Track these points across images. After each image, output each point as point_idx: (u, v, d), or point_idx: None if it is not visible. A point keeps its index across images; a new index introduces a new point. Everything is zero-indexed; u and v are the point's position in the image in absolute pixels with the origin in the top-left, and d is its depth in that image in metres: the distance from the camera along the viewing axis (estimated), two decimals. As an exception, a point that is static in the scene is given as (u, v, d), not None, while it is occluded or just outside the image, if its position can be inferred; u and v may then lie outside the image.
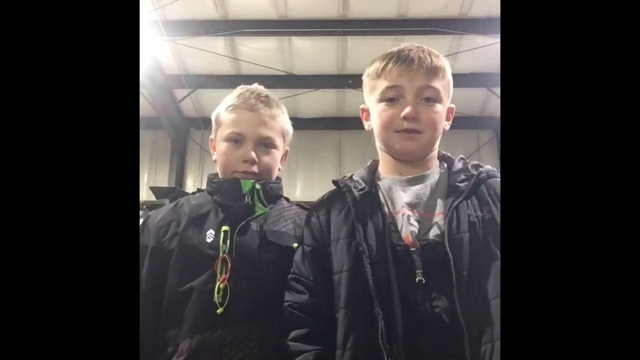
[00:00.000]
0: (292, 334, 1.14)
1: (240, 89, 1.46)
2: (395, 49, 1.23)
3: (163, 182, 6.46)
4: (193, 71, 5.77)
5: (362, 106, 1.32)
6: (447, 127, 1.26)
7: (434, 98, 1.19)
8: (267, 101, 1.41)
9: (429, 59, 1.20)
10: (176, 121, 6.35)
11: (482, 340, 1.01)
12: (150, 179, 6.61)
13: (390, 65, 1.20)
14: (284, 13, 4.99)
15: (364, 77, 1.29)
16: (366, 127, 1.30)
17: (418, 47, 1.22)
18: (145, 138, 6.44)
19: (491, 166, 1.23)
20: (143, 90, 5.35)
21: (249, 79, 5.40)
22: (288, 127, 1.47)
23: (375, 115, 1.23)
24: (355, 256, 1.12)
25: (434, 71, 1.19)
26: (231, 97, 1.44)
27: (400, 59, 1.19)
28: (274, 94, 1.47)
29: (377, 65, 1.23)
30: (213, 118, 1.47)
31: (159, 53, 5.30)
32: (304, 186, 6.49)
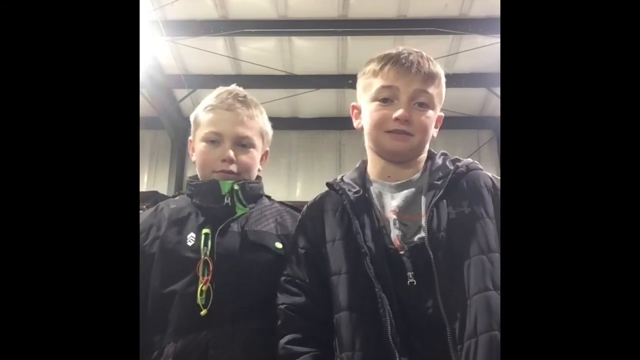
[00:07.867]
0: (289, 337, 1.14)
1: (219, 90, 1.46)
2: (394, 51, 1.24)
3: (163, 182, 6.45)
4: (193, 71, 5.77)
5: (353, 103, 1.32)
6: (435, 135, 1.27)
7: (427, 104, 1.21)
8: (244, 101, 1.42)
9: (427, 65, 1.21)
10: (176, 121, 6.34)
11: (464, 336, 1.01)
12: (150, 179, 6.61)
13: (388, 66, 1.20)
14: (284, 13, 4.98)
15: (358, 75, 1.29)
16: (355, 124, 1.31)
17: (417, 51, 1.23)
18: (145, 138, 6.44)
19: (491, 166, 1.23)
20: (143, 90, 5.35)
21: (249, 79, 5.47)
22: (267, 127, 1.47)
23: (367, 114, 1.24)
24: (355, 258, 1.12)
25: (431, 77, 1.21)
26: (209, 98, 1.44)
27: (400, 61, 1.20)
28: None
29: (374, 65, 1.24)
30: (192, 119, 1.47)
31: (159, 53, 5.30)
32: (303, 186, 6.48)
